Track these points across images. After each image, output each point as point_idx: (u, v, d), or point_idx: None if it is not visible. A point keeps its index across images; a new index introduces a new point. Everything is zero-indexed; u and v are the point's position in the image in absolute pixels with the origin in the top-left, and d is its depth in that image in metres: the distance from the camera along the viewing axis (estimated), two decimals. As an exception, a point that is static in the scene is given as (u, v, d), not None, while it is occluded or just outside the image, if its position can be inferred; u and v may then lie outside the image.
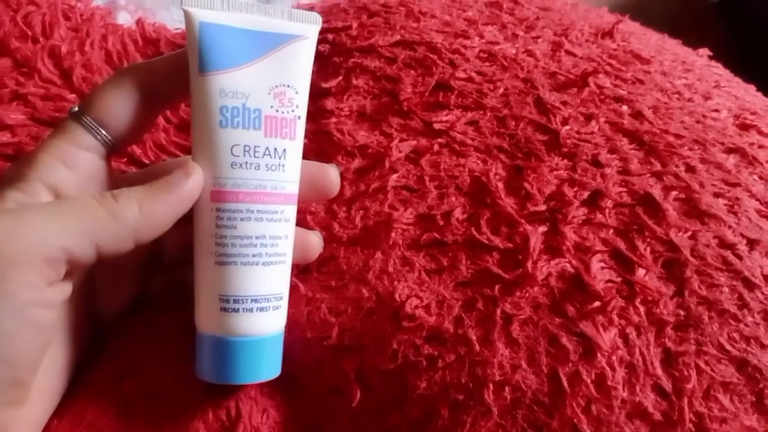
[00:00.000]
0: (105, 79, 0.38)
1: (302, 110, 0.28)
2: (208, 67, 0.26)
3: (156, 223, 0.25)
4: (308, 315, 0.30)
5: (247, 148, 0.27)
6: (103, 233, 0.24)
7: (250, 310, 0.27)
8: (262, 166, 0.27)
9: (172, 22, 0.49)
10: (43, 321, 0.23)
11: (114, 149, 0.27)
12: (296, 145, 0.28)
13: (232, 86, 0.27)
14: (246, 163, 0.27)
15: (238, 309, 0.27)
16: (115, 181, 0.28)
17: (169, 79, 0.28)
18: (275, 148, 0.27)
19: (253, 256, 0.27)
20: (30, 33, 0.39)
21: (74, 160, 0.26)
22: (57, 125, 0.27)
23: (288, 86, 0.28)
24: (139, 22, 0.44)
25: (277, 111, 0.27)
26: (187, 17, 0.27)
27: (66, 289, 0.24)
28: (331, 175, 0.31)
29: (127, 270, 0.30)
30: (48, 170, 0.25)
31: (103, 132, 0.26)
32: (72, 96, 0.38)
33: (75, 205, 0.24)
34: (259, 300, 0.27)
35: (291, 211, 0.28)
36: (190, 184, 0.26)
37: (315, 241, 0.31)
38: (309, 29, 0.28)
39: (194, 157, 0.27)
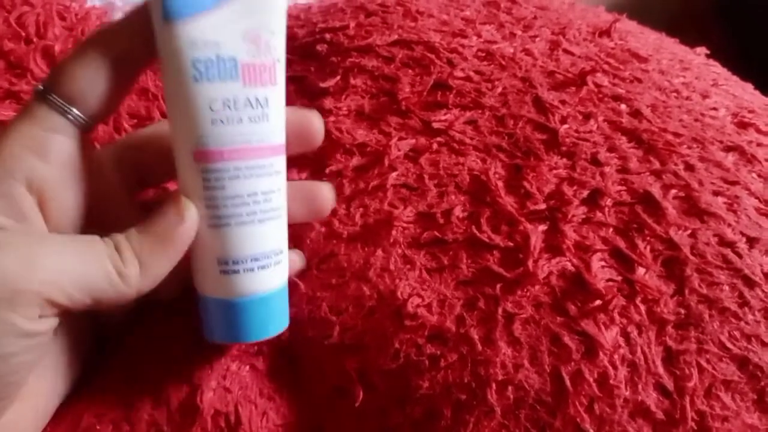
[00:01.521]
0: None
1: (281, 53, 0.26)
2: (173, 14, 0.24)
3: (157, 277, 0.25)
4: (309, 314, 0.30)
5: (226, 102, 0.25)
6: (107, 292, 0.23)
7: (252, 269, 0.26)
8: (244, 119, 0.25)
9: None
10: (32, 346, 0.23)
11: (87, 127, 0.25)
12: (278, 90, 0.26)
13: (202, 35, 0.24)
14: (227, 117, 0.25)
15: (239, 270, 0.26)
16: (93, 161, 0.26)
17: (135, 37, 0.25)
18: (256, 98, 0.25)
19: (248, 215, 0.26)
20: (23, 34, 0.39)
21: (46, 148, 0.24)
22: (22, 108, 0.24)
23: (263, 28, 0.25)
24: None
25: (254, 57, 0.25)
26: None
27: (54, 322, 0.23)
28: (314, 121, 0.29)
29: None
30: (20, 164, 0.24)
31: (74, 110, 0.24)
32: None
33: (86, 255, 0.24)
34: (260, 258, 0.26)
35: (280, 163, 0.27)
36: (186, 228, 0.25)
37: (326, 192, 0.29)
38: None
39: (169, 116, 0.25)
